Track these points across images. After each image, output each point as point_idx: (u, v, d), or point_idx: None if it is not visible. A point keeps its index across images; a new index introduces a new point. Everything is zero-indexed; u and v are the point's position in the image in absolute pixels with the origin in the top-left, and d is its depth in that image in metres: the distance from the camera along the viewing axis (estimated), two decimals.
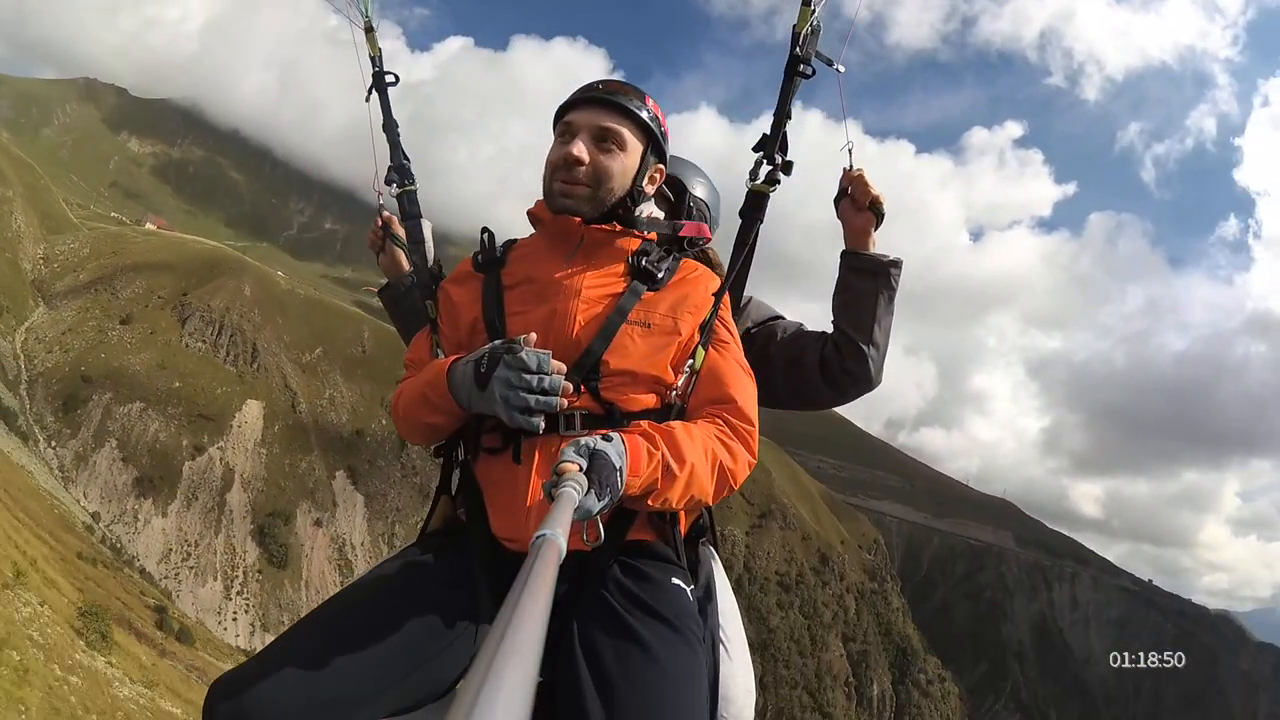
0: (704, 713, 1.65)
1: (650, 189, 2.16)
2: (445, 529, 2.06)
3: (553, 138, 2.14)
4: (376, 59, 2.56)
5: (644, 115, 2.08)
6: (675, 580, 1.83)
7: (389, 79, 2.55)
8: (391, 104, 2.54)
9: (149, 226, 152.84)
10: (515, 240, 2.22)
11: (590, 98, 2.08)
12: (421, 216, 2.51)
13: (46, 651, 27.06)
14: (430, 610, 1.73)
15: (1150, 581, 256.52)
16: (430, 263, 2.45)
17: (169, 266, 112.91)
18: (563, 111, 2.12)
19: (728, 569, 2.10)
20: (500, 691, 0.57)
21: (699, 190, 2.66)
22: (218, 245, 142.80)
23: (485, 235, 2.18)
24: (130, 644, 41.72)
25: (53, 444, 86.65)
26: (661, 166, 2.18)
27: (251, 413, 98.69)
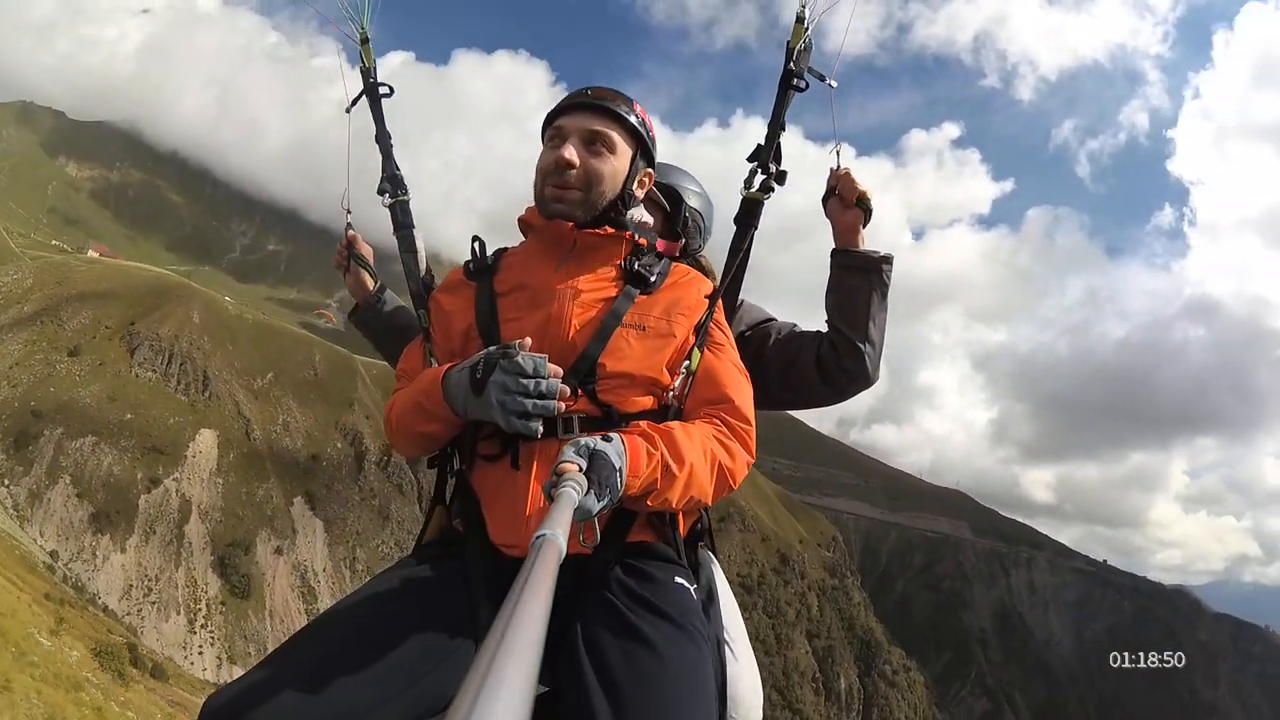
0: (712, 710, 1.62)
1: (640, 193, 2.19)
2: (441, 539, 2.06)
3: (542, 146, 2.17)
4: (371, 71, 2.63)
5: (632, 120, 2.11)
6: (678, 579, 1.83)
7: (383, 90, 2.63)
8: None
9: (91, 254, 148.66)
10: (506, 249, 2.25)
11: (578, 103, 2.10)
12: (414, 227, 2.55)
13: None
14: (428, 622, 1.70)
15: (1105, 562, 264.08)
16: (423, 272, 2.47)
17: (115, 295, 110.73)
18: (551, 118, 2.15)
19: None
20: (500, 692, 0.57)
21: (694, 201, 2.68)
22: (163, 272, 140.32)
23: (476, 243, 2.21)
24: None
25: (5, 482, 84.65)
26: (651, 171, 2.22)
27: (205, 442, 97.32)
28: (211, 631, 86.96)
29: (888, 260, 2.45)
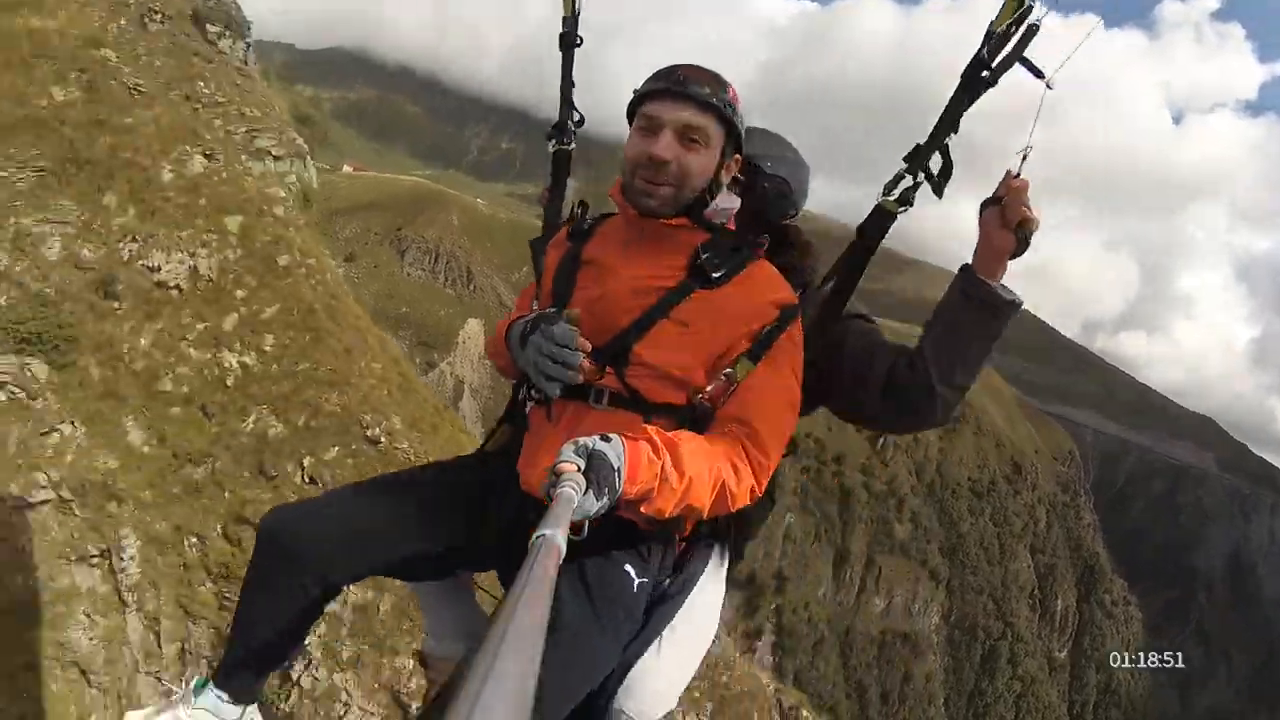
0: (576, 696, 1.77)
1: (726, 178, 2.10)
2: (499, 450, 2.20)
3: (630, 128, 2.05)
4: (569, 19, 2.53)
5: (726, 110, 1.99)
6: (627, 566, 1.88)
7: (576, 41, 2.57)
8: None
9: (347, 169, 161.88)
10: (610, 215, 2.23)
11: (674, 91, 1.97)
12: (570, 175, 2.61)
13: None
14: (458, 500, 2.04)
15: None
16: (561, 220, 2.50)
17: (378, 206, 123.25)
18: (641, 99, 2.03)
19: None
20: (501, 690, 0.58)
21: (782, 169, 2.41)
22: (418, 180, 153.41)
23: (579, 208, 2.25)
24: None
25: None
26: (739, 157, 2.11)
27: (472, 329, 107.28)
28: None
29: (1015, 306, 2.10)
